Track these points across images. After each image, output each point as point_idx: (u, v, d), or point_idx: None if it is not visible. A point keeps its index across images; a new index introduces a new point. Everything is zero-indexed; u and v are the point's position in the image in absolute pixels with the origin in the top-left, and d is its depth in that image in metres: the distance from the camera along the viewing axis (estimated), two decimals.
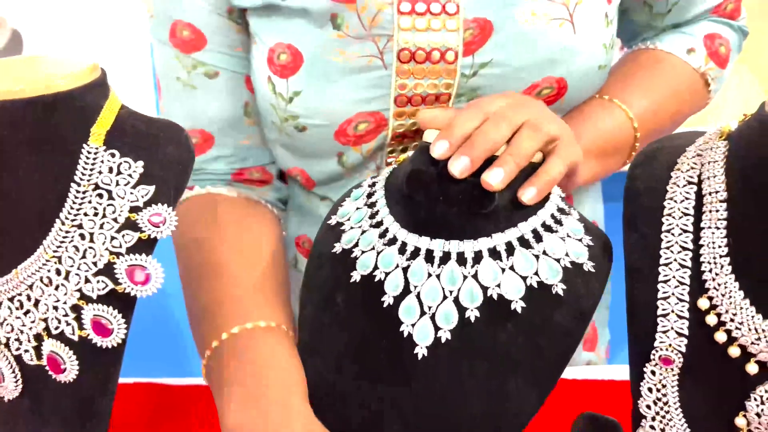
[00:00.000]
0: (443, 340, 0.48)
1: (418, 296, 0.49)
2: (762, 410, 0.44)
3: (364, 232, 0.53)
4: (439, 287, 0.49)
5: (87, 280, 0.46)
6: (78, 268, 0.46)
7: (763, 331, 0.43)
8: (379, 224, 0.53)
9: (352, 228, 0.54)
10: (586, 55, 0.60)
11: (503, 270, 0.48)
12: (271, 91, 0.59)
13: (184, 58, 0.60)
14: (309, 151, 0.63)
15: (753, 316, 0.44)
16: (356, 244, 0.53)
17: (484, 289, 0.48)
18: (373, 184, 0.56)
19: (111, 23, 1.55)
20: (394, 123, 0.60)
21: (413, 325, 0.49)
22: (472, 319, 0.48)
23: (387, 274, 0.51)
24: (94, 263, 0.46)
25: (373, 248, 0.52)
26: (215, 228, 0.61)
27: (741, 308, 0.44)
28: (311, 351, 0.54)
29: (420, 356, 0.49)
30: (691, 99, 0.70)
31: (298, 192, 0.70)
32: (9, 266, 0.48)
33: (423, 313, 0.49)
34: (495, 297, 0.48)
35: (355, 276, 0.52)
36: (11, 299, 0.48)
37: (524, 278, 0.48)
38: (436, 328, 0.49)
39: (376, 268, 0.51)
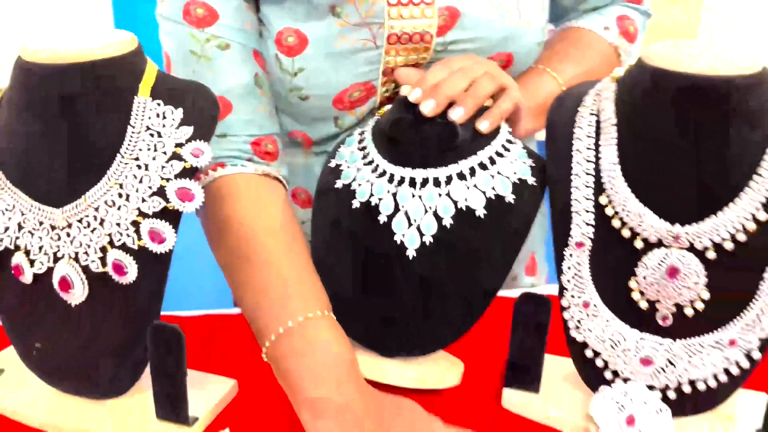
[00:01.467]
0: (427, 244, 0.65)
1: (405, 213, 0.65)
2: (646, 274, 0.62)
3: (359, 169, 0.69)
4: (422, 205, 0.65)
5: (143, 200, 0.60)
6: (136, 191, 0.60)
7: (644, 215, 0.61)
8: (370, 162, 0.68)
9: (348, 167, 0.70)
10: (529, 35, 0.78)
11: (468, 188, 0.65)
12: (277, 68, 0.73)
13: (198, 33, 0.72)
14: (310, 117, 0.77)
15: (637, 206, 0.61)
16: (354, 179, 0.68)
17: (455, 203, 0.65)
18: (362, 132, 0.71)
19: None
20: (382, 90, 0.76)
21: (404, 235, 0.65)
22: (448, 226, 0.64)
23: (380, 199, 0.66)
24: (149, 187, 0.60)
25: (368, 181, 0.67)
26: (251, 209, 0.68)
27: (629, 200, 0.62)
28: (324, 267, 0.70)
29: (411, 257, 0.65)
30: (607, 68, 0.87)
31: (295, 152, 0.84)
32: (79, 195, 0.61)
33: (410, 225, 0.65)
34: (464, 208, 0.64)
35: (356, 203, 0.67)
36: (80, 221, 0.61)
37: (484, 193, 0.65)
38: (421, 235, 0.65)
39: (371, 195, 0.67)
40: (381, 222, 0.66)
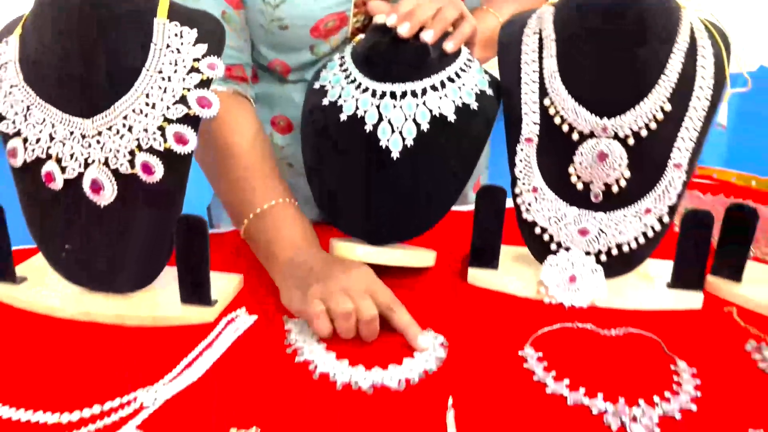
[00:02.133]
0: (408, 146, 0.77)
1: (389, 122, 0.78)
2: (581, 160, 0.78)
3: (342, 88, 0.80)
4: (402, 113, 0.78)
5: (168, 108, 0.70)
6: (161, 100, 0.69)
7: (579, 112, 0.77)
8: (353, 81, 0.80)
9: (333, 87, 0.81)
10: None
11: (440, 98, 0.78)
12: (261, 1, 0.84)
13: None
14: (288, 46, 0.89)
15: (574, 105, 0.77)
16: (339, 96, 0.80)
17: (430, 111, 0.78)
18: (342, 57, 0.83)
19: None
20: (353, 20, 0.87)
21: (388, 140, 0.78)
22: (425, 130, 0.77)
23: (365, 111, 0.78)
24: (173, 95, 0.70)
25: (353, 97, 0.79)
26: (224, 119, 0.83)
27: (566, 101, 0.77)
28: (317, 172, 0.81)
29: (395, 158, 0.77)
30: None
31: (273, 82, 0.95)
32: (108, 106, 0.69)
33: (393, 131, 0.77)
34: (437, 115, 0.77)
35: (343, 117, 0.79)
36: (110, 128, 0.70)
37: (453, 101, 0.78)
38: (403, 139, 0.77)
39: (357, 109, 0.78)
40: (367, 131, 0.78)
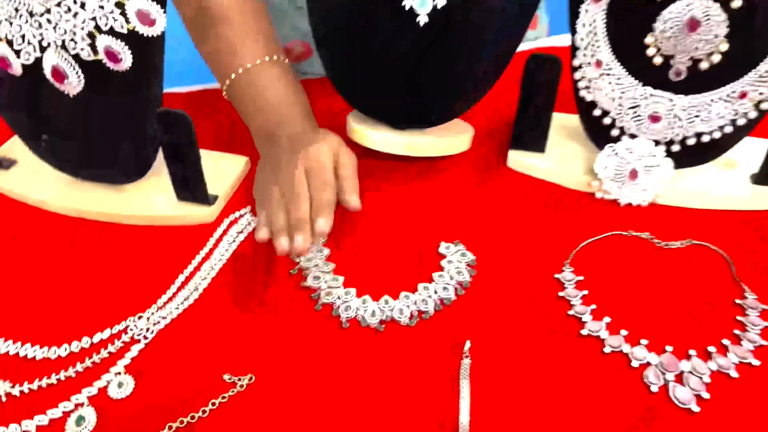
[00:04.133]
0: (439, 6, 0.60)
1: None
2: (664, 28, 0.59)
3: None
4: None
5: None
6: None
7: None
8: None
9: None
10: None
11: None
12: None
13: None
14: None
15: None
16: None
17: None
18: None
19: None
20: None
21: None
22: None
23: None
24: None
25: None
26: None
27: None
28: (327, 45, 0.66)
29: (422, 23, 0.61)
30: None
31: None
32: None
33: None
34: None
35: None
36: (58, 4, 0.56)
37: None
38: None
39: None
40: None
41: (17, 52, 0.59)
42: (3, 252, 0.65)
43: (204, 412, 0.50)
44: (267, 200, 0.61)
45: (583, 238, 0.64)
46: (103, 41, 0.57)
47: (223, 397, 0.51)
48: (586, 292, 0.58)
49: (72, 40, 0.57)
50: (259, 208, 0.62)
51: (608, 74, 0.64)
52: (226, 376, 0.53)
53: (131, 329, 0.57)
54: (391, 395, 0.51)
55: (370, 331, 0.56)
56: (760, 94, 0.60)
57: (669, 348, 0.53)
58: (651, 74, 0.62)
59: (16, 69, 0.60)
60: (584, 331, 0.55)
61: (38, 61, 0.60)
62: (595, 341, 0.55)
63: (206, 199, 0.66)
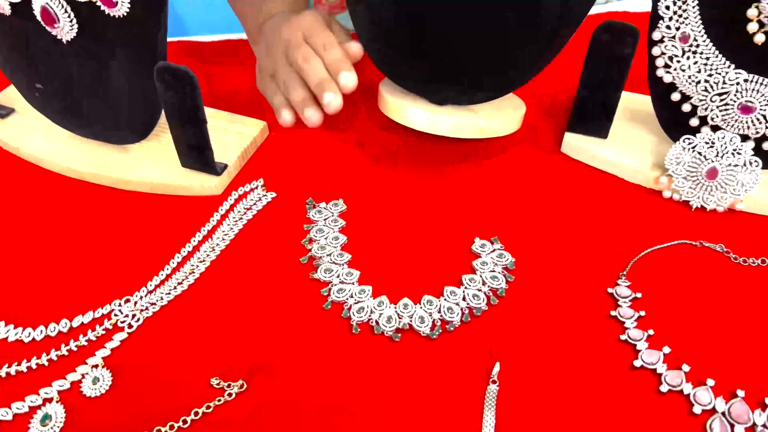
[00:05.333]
0: None
1: None
2: None
3: None
4: None
5: None
6: None
7: None
8: None
9: None
10: None
11: None
12: None
13: None
14: None
15: None
16: None
17: None
18: None
19: None
20: None
21: None
22: None
23: None
24: None
25: None
26: None
27: None
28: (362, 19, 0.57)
29: None
30: None
31: None
32: None
33: None
34: None
35: None
36: None
37: None
38: None
39: None
40: None
41: None
42: None
43: (185, 422, 0.44)
44: (276, 81, 0.60)
45: (644, 246, 0.54)
46: None
47: (207, 407, 0.44)
48: (643, 313, 0.49)
49: None
50: (270, 94, 0.62)
51: (695, 52, 0.53)
52: (214, 381, 0.46)
53: (115, 314, 0.50)
54: (402, 421, 0.43)
55: (384, 339, 0.48)
56: None
57: (740, 393, 0.44)
58: (749, 55, 0.51)
59: (3, 6, 0.53)
60: (637, 362, 0.46)
61: (27, 1, 0.52)
62: (650, 376, 0.46)
63: (213, 168, 0.59)
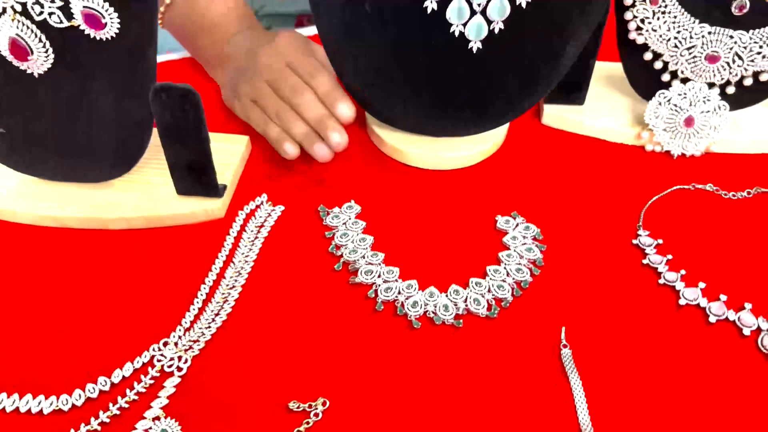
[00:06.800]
0: (497, 31, 0.51)
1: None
2: None
3: None
4: None
5: None
6: None
7: None
8: None
9: None
10: None
11: None
12: None
13: None
14: None
15: None
16: None
17: None
18: None
19: None
20: None
21: (464, 25, 0.51)
22: (524, 5, 0.50)
23: None
24: None
25: None
26: None
27: None
28: (343, 56, 0.56)
29: (475, 50, 0.52)
30: None
31: None
32: None
33: (474, 13, 0.50)
34: None
35: None
36: None
37: None
38: (489, 23, 0.50)
39: None
40: (429, 11, 0.50)
41: None
42: None
43: None
44: (264, 110, 0.57)
45: (642, 198, 0.58)
46: (79, 2, 0.44)
47: (298, 431, 0.42)
48: (670, 256, 0.53)
49: (37, 2, 0.44)
50: (259, 126, 0.58)
51: (664, 12, 0.57)
52: (292, 404, 0.43)
53: (158, 360, 0.46)
54: (491, 400, 0.43)
55: (447, 328, 0.48)
56: None
57: (748, 305, 0.49)
58: (711, 10, 0.56)
59: None
60: (682, 302, 0.50)
61: None
62: (696, 311, 0.49)
63: (215, 190, 0.55)
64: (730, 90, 0.60)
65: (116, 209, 0.55)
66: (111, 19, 0.45)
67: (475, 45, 0.52)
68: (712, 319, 0.48)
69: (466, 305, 0.49)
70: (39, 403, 0.43)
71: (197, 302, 0.49)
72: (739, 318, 0.48)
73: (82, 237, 0.54)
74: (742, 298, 0.50)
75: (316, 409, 0.43)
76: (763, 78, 0.59)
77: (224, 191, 0.56)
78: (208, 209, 0.55)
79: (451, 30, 0.51)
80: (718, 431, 0.42)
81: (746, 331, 0.48)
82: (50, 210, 0.55)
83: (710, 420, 0.42)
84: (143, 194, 0.56)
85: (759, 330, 0.48)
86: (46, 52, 0.47)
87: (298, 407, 0.43)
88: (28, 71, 0.48)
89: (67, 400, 0.44)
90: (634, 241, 0.54)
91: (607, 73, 0.67)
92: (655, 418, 0.43)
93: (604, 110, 0.64)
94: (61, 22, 0.45)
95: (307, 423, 0.42)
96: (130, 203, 0.55)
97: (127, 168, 0.55)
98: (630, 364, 0.46)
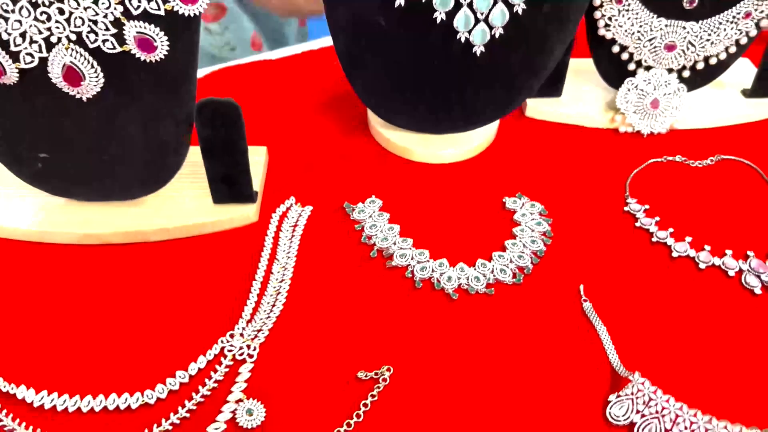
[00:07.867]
0: (497, 36, 0.58)
1: (470, 5, 0.56)
2: None
3: None
4: None
5: None
6: None
7: None
8: None
9: None
10: None
11: None
12: None
13: None
14: None
15: None
16: None
17: None
18: None
19: None
20: None
21: (469, 32, 0.58)
22: (520, 12, 0.57)
23: None
24: None
25: None
26: None
27: None
28: (359, 64, 0.62)
29: (479, 53, 0.59)
30: None
31: None
32: None
33: (477, 21, 0.57)
34: None
35: (399, 0, 0.56)
36: None
37: None
38: (491, 28, 0.58)
39: None
40: (438, 20, 0.57)
41: (13, 54, 0.49)
42: (22, 300, 0.54)
43: (358, 416, 0.46)
44: None
45: (624, 171, 0.66)
46: (133, 28, 0.49)
47: (372, 395, 0.47)
48: (658, 218, 0.61)
49: (92, 31, 0.48)
50: None
51: (628, 10, 0.66)
52: (361, 374, 0.48)
53: (228, 350, 0.50)
54: (529, 353, 0.50)
55: (481, 297, 0.54)
56: (761, 12, 0.66)
57: (750, 253, 0.57)
58: (665, 6, 0.65)
59: (11, 77, 0.50)
60: (674, 254, 0.58)
61: (42, 63, 0.50)
62: (688, 261, 0.57)
63: (250, 197, 0.60)
64: (686, 74, 0.69)
65: (155, 221, 0.58)
66: (162, 42, 0.49)
67: (479, 49, 0.59)
68: (702, 266, 0.56)
69: (494, 275, 0.55)
70: (126, 400, 0.47)
71: (252, 297, 0.54)
72: (723, 263, 0.57)
73: (125, 252, 0.58)
74: (723, 246, 0.58)
75: (384, 375, 0.48)
76: (712, 62, 0.69)
77: (257, 196, 0.61)
78: (244, 214, 0.60)
79: (458, 36, 0.58)
80: (716, 352, 0.50)
81: (731, 273, 0.56)
82: (93, 228, 0.58)
83: (709, 345, 0.50)
84: (178, 205, 0.59)
85: (741, 271, 0.56)
86: (97, 77, 0.50)
87: (365, 376, 0.48)
88: (77, 96, 0.52)
89: (151, 394, 0.47)
90: (625, 209, 0.62)
91: (577, 67, 0.76)
92: (667, 348, 0.50)
93: (579, 99, 0.73)
94: (114, 48, 0.49)
95: (378, 387, 0.48)
96: (166, 215, 0.59)
97: (164, 184, 0.59)
98: (641, 309, 0.53)
